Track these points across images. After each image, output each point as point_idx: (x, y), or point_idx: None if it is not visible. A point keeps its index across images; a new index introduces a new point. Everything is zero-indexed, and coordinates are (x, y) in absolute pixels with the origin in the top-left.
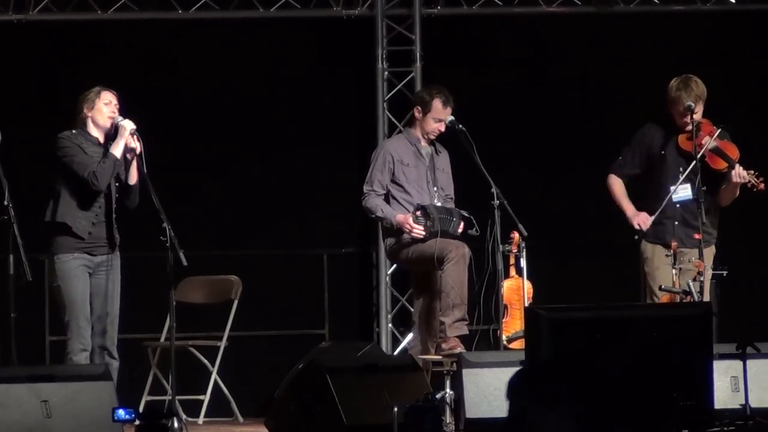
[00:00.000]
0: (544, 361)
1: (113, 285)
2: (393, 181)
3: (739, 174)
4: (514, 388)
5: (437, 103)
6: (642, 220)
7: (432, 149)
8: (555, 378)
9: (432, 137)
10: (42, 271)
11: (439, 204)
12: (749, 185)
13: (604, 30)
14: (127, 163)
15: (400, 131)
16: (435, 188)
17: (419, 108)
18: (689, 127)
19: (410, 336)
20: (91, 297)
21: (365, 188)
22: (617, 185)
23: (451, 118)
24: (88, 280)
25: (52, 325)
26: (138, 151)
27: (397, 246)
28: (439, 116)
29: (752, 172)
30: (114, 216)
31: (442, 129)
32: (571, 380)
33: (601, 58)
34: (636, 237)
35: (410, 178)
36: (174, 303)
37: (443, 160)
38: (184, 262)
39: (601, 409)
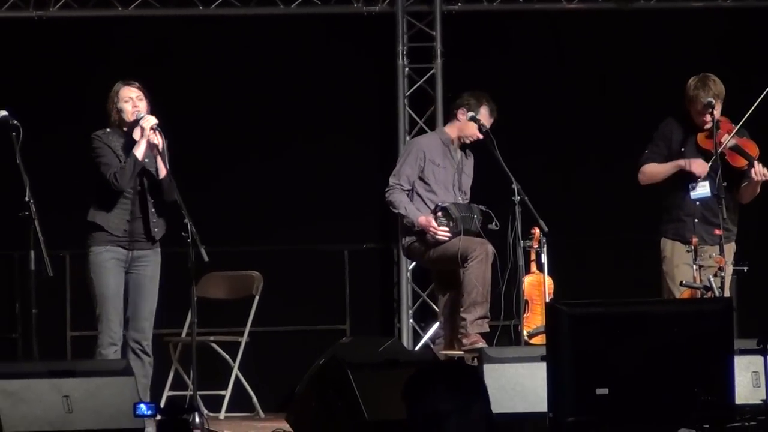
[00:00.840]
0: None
1: (150, 281)
2: (420, 178)
3: (759, 171)
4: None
5: (485, 111)
6: (701, 166)
7: (462, 153)
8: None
9: (467, 141)
10: (63, 266)
11: (458, 201)
12: None
13: (624, 26)
14: (154, 158)
15: (422, 128)
16: (460, 190)
17: (465, 111)
18: (708, 126)
19: (434, 327)
20: (127, 292)
21: (392, 180)
22: (652, 165)
23: (471, 113)
24: (122, 275)
25: (73, 320)
26: (160, 147)
27: (417, 245)
28: (485, 124)
29: None
30: (153, 210)
31: (481, 137)
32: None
33: (621, 54)
34: (691, 185)
35: (438, 178)
36: (195, 298)
37: (470, 164)
38: (206, 258)
39: (622, 405)
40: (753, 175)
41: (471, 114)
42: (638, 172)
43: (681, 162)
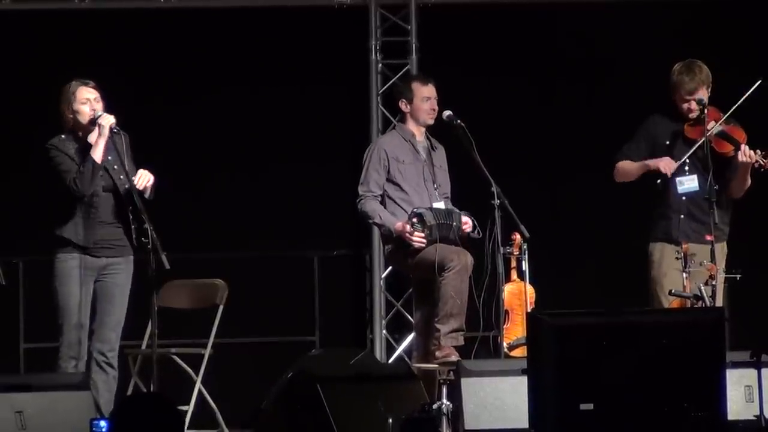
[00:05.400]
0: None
1: (120, 290)
2: (389, 180)
3: (746, 153)
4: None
5: (417, 85)
6: (667, 164)
7: (428, 144)
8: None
9: (429, 121)
10: (17, 275)
11: (438, 204)
12: (756, 165)
13: (611, 19)
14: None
15: (394, 128)
16: (434, 185)
17: (403, 100)
18: (693, 114)
19: (409, 339)
20: (95, 301)
21: (361, 190)
22: (625, 163)
23: (449, 112)
24: (89, 285)
25: (27, 331)
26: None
27: (397, 253)
28: (426, 95)
29: (759, 151)
30: (131, 217)
31: (435, 107)
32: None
33: (608, 49)
34: (659, 182)
35: (407, 176)
36: (156, 308)
37: (440, 156)
38: (167, 265)
39: (607, 421)
40: (740, 157)
41: (448, 113)
42: (613, 168)
43: (648, 162)
